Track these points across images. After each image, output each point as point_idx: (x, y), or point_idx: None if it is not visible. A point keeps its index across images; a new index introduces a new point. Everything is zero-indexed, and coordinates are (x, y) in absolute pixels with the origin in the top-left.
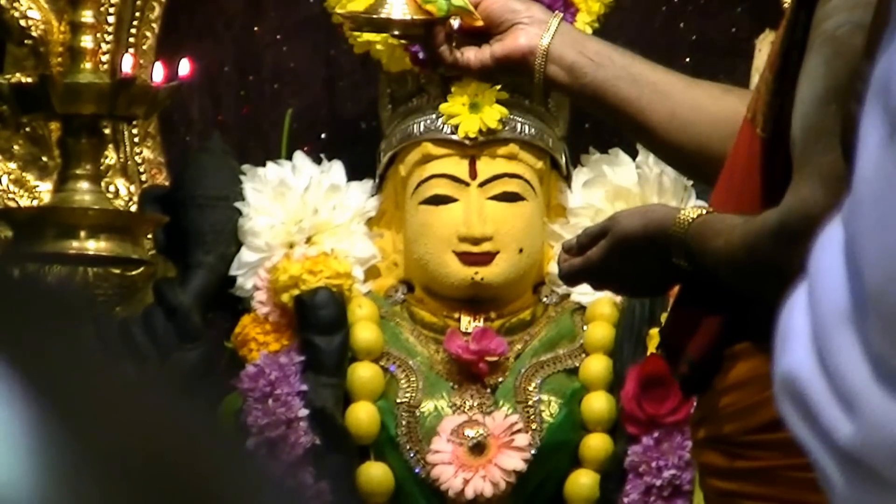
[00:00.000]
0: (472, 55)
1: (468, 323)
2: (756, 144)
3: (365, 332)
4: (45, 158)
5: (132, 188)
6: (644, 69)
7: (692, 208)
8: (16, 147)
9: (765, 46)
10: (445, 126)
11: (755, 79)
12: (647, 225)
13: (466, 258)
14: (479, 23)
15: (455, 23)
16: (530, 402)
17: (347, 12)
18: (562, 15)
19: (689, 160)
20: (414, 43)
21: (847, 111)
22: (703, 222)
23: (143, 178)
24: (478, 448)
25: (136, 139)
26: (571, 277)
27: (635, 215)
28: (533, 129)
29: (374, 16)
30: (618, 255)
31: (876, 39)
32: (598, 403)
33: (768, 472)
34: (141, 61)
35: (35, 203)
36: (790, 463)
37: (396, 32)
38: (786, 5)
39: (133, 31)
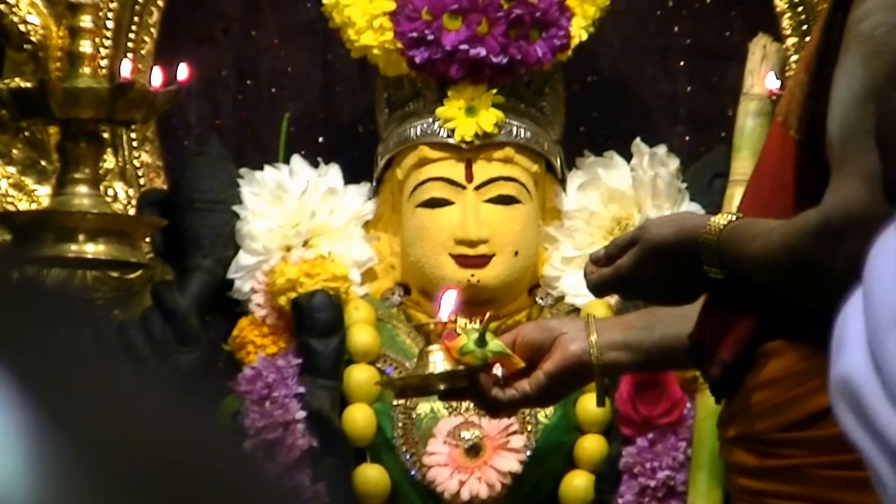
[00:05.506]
0: (525, 386)
1: (464, 325)
2: (789, 147)
3: (361, 334)
4: (43, 163)
5: (130, 192)
6: (686, 307)
7: (722, 215)
8: (15, 151)
9: (758, 50)
10: (442, 130)
11: (748, 82)
12: (678, 233)
13: (462, 261)
14: (521, 364)
15: (498, 372)
16: None
17: (386, 381)
18: (594, 315)
19: None
20: (463, 397)
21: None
22: (735, 228)
23: (142, 181)
24: (473, 450)
25: (135, 143)
26: (601, 288)
27: (665, 224)
28: (528, 133)
29: (416, 375)
30: (649, 264)
31: None
32: (592, 405)
33: (797, 471)
34: (139, 66)
35: (34, 207)
36: (819, 461)
37: (442, 388)
38: (779, 10)
39: (132, 36)
